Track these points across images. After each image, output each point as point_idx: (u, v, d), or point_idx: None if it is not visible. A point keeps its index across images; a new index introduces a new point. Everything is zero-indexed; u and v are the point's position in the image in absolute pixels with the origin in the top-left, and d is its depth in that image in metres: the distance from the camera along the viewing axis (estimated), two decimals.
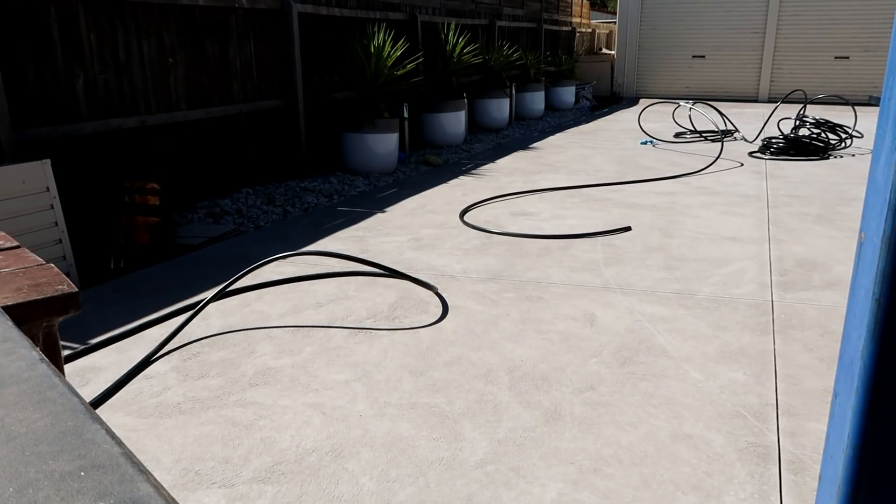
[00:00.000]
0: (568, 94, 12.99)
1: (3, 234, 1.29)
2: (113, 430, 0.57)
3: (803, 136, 7.43)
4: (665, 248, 4.03)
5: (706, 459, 1.98)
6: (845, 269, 3.63)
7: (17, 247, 1.23)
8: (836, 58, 13.39)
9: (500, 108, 9.91)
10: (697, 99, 10.89)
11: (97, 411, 1.07)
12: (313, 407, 2.26)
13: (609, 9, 27.68)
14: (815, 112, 9.51)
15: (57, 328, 1.06)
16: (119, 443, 0.55)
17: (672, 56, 14.58)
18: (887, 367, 0.94)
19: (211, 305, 3.10)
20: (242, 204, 5.21)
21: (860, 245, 1.00)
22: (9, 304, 0.98)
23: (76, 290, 1.05)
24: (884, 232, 0.92)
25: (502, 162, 7.10)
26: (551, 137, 8.96)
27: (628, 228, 4.43)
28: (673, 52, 14.55)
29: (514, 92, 10.71)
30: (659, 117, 10.25)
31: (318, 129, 6.54)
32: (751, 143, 8.22)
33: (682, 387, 2.40)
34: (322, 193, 5.68)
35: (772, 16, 13.61)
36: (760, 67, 13.94)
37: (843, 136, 7.80)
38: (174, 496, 1.23)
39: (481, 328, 2.89)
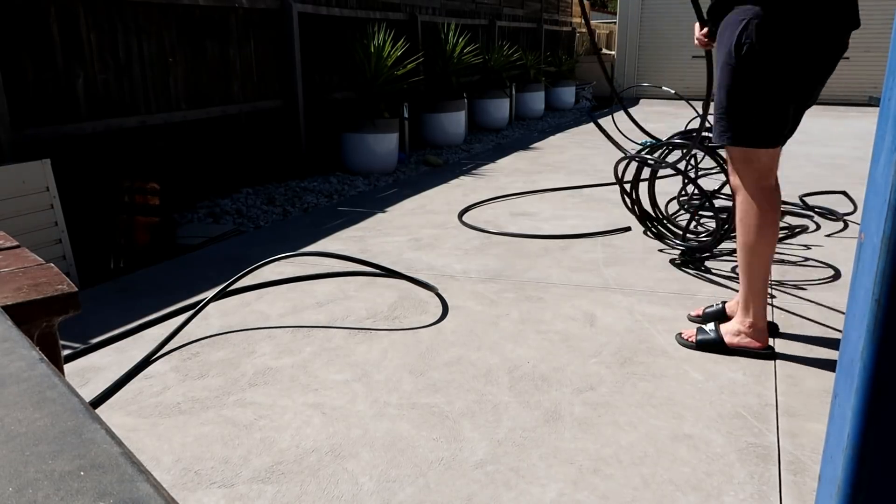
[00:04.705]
0: (568, 94, 12.99)
1: (2, 233, 1.29)
2: (113, 429, 0.57)
3: None
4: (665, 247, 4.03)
5: (706, 460, 1.98)
6: (845, 270, 3.63)
7: (17, 246, 1.23)
8: None
9: (500, 109, 9.90)
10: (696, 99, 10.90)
11: (97, 411, 1.07)
12: (313, 407, 2.26)
13: (609, 9, 27.68)
14: (814, 112, 9.51)
15: (57, 328, 1.06)
16: (119, 442, 0.55)
17: (672, 56, 14.58)
18: (887, 367, 0.94)
19: (211, 305, 3.10)
20: (242, 204, 5.21)
21: (860, 245, 1.00)
22: (8, 303, 0.98)
23: (76, 289, 1.05)
24: (884, 232, 0.92)
25: (502, 162, 7.10)
26: (551, 137, 8.96)
27: (628, 228, 4.43)
28: (673, 52, 14.54)
29: (514, 92, 10.71)
30: (659, 117, 10.25)
31: (318, 129, 6.54)
32: None
33: (682, 387, 2.40)
34: (322, 193, 5.69)
35: None
36: None
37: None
38: (174, 496, 1.23)
39: (481, 328, 2.89)
